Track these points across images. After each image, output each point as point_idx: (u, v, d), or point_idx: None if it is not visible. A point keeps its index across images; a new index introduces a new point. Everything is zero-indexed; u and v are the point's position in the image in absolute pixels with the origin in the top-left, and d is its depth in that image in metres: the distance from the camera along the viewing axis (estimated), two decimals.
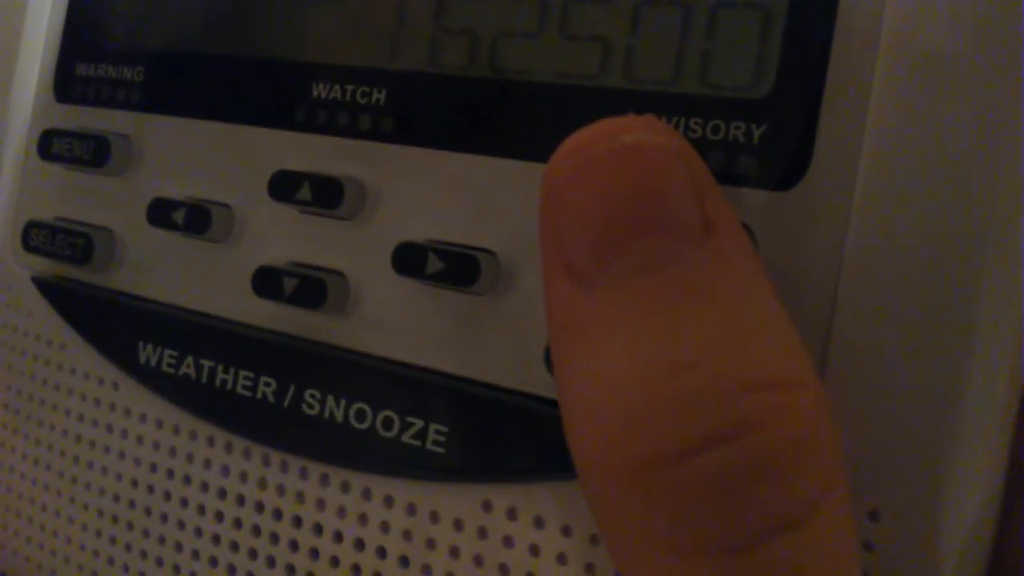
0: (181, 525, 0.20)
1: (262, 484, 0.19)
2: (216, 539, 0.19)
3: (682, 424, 0.12)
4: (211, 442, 0.19)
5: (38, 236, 0.22)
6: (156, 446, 0.20)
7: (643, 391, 0.12)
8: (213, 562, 0.20)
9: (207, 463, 0.19)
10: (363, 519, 0.18)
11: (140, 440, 0.20)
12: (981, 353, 0.14)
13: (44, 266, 0.22)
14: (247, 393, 0.19)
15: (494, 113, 0.17)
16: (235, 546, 0.19)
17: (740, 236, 0.13)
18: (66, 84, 0.22)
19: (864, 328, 0.14)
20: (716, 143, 0.15)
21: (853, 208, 0.15)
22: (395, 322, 0.17)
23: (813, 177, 0.15)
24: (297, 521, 0.18)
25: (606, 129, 0.14)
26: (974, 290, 0.14)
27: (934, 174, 0.14)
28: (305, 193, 0.18)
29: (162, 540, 0.20)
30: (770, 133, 0.15)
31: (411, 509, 0.17)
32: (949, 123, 0.14)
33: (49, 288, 0.22)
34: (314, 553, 0.18)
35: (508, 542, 0.16)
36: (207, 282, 0.20)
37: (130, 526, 0.21)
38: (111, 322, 0.21)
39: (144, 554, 0.20)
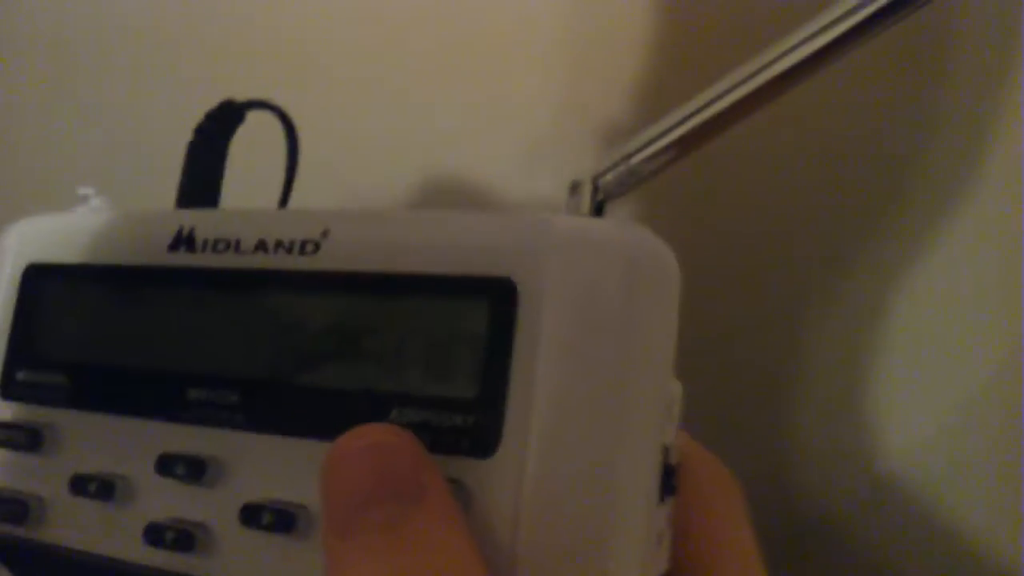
0: None
1: None
2: None
3: None
4: None
5: None
6: None
7: None
8: None
9: None
10: None
11: None
12: None
13: None
14: None
15: (311, 409, 0.26)
16: None
17: (446, 497, 0.22)
18: (9, 385, 0.30)
19: (542, 562, 0.23)
20: (444, 428, 0.24)
21: (528, 470, 0.23)
22: (244, 561, 0.25)
23: (505, 447, 0.23)
24: None
25: (359, 432, 0.23)
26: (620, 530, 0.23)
27: (584, 442, 0.23)
28: (180, 470, 0.26)
29: None
30: (477, 420, 0.24)
31: None
32: (593, 413, 0.23)
33: None
34: None
35: None
36: (112, 534, 0.27)
37: None
38: (43, 568, 0.28)
39: None
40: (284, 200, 0.37)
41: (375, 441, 0.23)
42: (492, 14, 0.52)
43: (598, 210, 0.26)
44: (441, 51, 0.53)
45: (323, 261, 0.26)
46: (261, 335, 0.27)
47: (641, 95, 0.49)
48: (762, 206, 0.50)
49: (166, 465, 0.26)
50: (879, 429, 0.48)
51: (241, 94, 0.33)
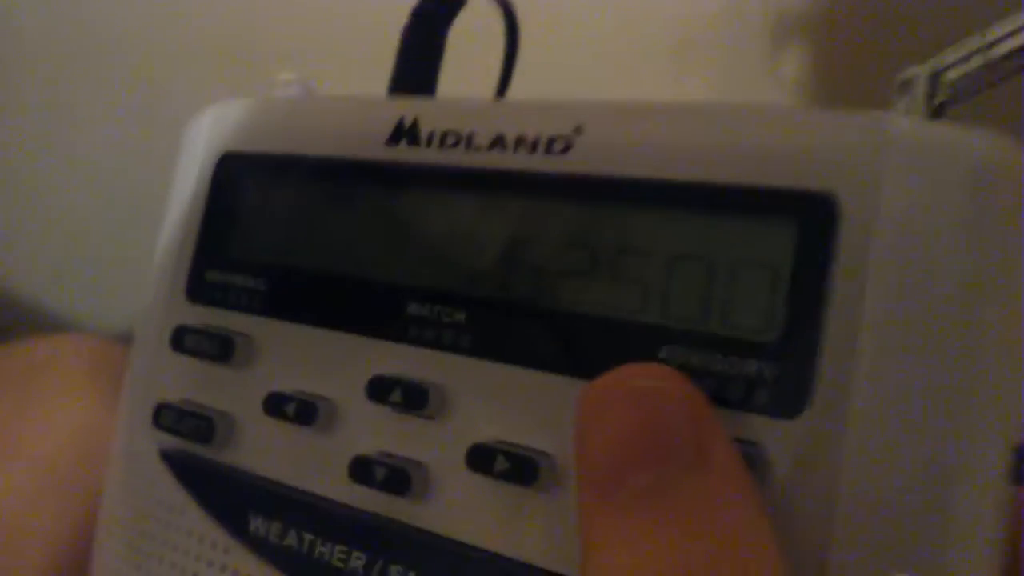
0: None
1: None
2: None
3: None
4: None
5: (167, 416, 0.26)
6: None
7: None
8: None
9: None
10: None
11: None
12: None
13: (170, 441, 0.26)
14: (340, 565, 0.22)
15: (553, 338, 0.21)
16: None
17: (733, 464, 0.17)
18: (197, 287, 0.27)
19: (860, 559, 0.18)
20: (731, 376, 0.19)
21: (847, 440, 0.18)
22: (468, 511, 0.21)
23: (816, 406, 0.18)
24: None
25: (625, 374, 0.18)
26: (962, 527, 0.17)
27: (921, 410, 0.18)
28: (396, 396, 0.22)
29: None
30: (778, 370, 0.19)
31: None
32: (933, 372, 0.18)
33: (174, 461, 0.26)
34: None
35: None
36: (310, 465, 0.23)
37: None
38: (227, 494, 0.24)
39: None
40: (500, 94, 0.32)
41: (647, 386, 0.18)
42: None
43: (936, 115, 0.20)
44: None
45: (575, 163, 0.22)
46: (496, 246, 0.22)
47: None
48: None
49: (380, 389, 0.22)
50: None
51: None
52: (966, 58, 0.20)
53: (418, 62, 0.29)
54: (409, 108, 0.24)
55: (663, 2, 0.45)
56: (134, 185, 0.59)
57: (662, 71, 0.46)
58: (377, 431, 0.23)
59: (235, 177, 0.27)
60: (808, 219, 0.19)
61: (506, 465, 0.20)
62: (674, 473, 0.17)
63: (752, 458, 0.18)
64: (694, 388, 0.18)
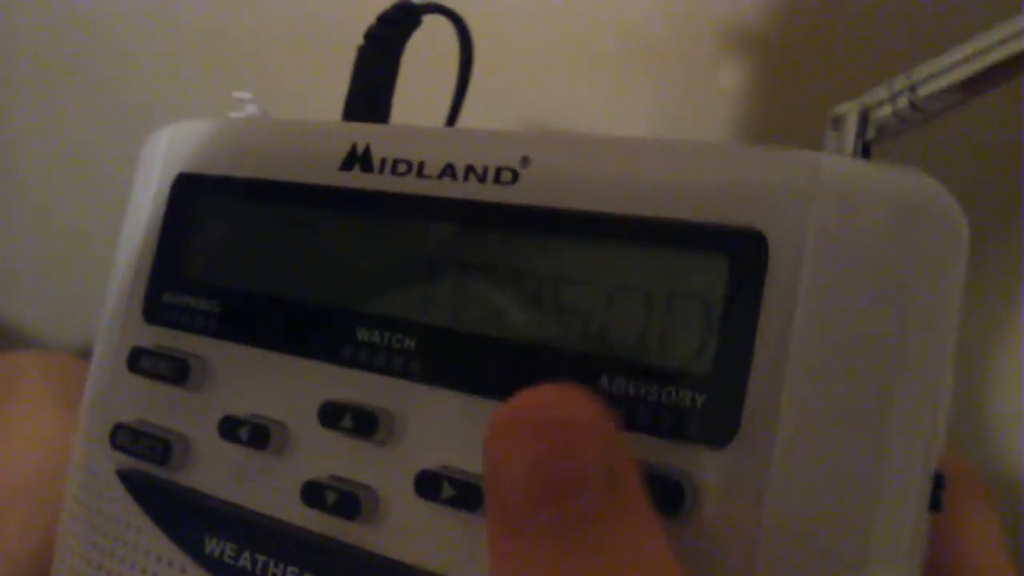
0: None
1: None
2: None
3: None
4: None
5: (123, 436, 0.26)
6: None
7: None
8: None
9: None
10: None
11: None
12: None
13: (127, 461, 0.26)
14: None
15: (499, 365, 0.22)
16: None
17: (640, 499, 0.17)
18: (154, 308, 0.27)
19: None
20: (665, 405, 0.20)
21: (772, 467, 0.19)
22: (417, 535, 0.22)
23: (743, 435, 0.19)
24: None
25: (532, 401, 0.17)
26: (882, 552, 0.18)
27: (842, 437, 0.19)
28: (347, 422, 0.23)
29: None
30: (710, 400, 0.20)
31: None
32: (854, 401, 0.19)
33: (130, 481, 0.26)
34: None
35: None
36: (264, 488, 0.24)
37: None
38: (183, 515, 0.25)
39: None
40: (451, 120, 0.33)
41: (555, 417, 0.17)
42: None
43: (865, 152, 0.21)
44: None
45: (521, 193, 0.22)
46: (443, 275, 0.23)
47: None
48: None
49: (331, 415, 0.23)
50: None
51: None
52: (893, 98, 0.21)
53: (373, 83, 0.29)
54: (362, 134, 0.25)
55: (606, 13, 0.46)
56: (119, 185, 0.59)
57: (606, 81, 0.47)
58: (328, 455, 0.23)
59: (191, 198, 0.27)
60: (738, 254, 0.20)
61: (452, 492, 0.21)
62: (581, 509, 0.17)
63: (682, 487, 0.19)
64: (602, 416, 0.17)
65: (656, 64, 0.44)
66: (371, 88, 0.29)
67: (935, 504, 0.20)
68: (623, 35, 0.45)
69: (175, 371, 0.26)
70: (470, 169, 0.23)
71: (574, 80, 0.46)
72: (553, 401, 0.17)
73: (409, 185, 0.24)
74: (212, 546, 0.24)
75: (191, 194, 0.27)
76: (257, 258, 0.26)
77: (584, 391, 0.17)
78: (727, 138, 0.43)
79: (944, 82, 0.20)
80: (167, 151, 0.28)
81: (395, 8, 0.30)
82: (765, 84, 0.42)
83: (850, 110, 0.21)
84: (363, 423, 0.22)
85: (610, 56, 0.45)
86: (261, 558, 0.23)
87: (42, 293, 0.63)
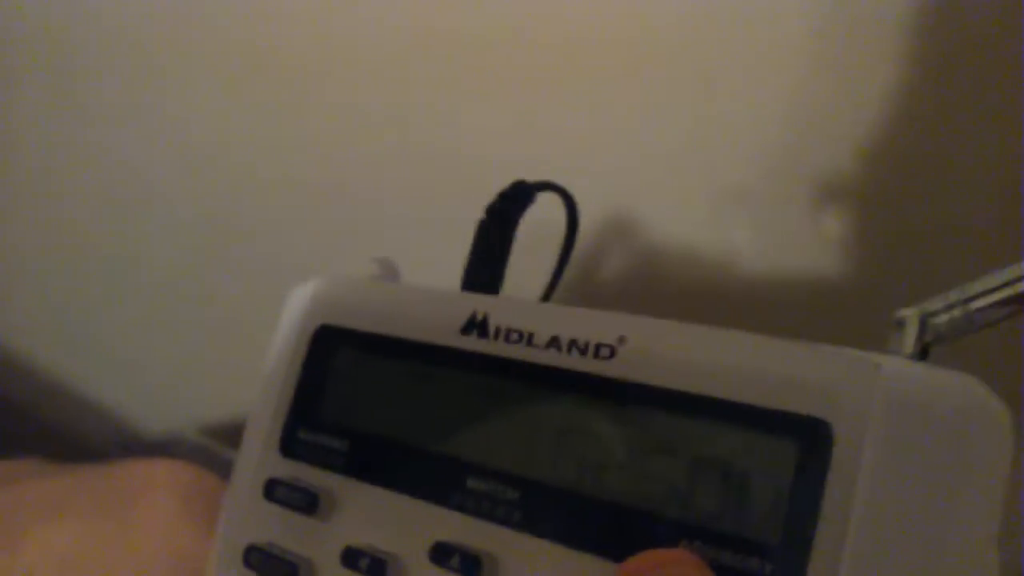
0: None
1: None
2: None
3: None
4: None
5: (255, 557, 0.30)
6: None
7: None
8: None
9: None
10: None
11: None
12: None
13: None
14: None
15: (592, 521, 0.25)
16: None
17: None
18: (290, 443, 0.31)
19: None
20: (736, 569, 0.23)
21: None
22: None
23: None
24: None
25: (653, 559, 0.21)
26: None
27: None
28: (455, 563, 0.26)
29: None
30: (776, 569, 0.22)
31: None
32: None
33: None
34: None
35: None
36: None
37: None
38: None
39: None
40: (551, 286, 0.37)
41: (674, 573, 0.21)
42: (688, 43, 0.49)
43: (923, 352, 0.24)
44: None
45: (617, 368, 0.26)
46: (546, 434, 0.26)
47: (868, 142, 0.45)
48: None
49: (441, 554, 0.26)
50: None
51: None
52: (948, 308, 0.24)
53: (491, 253, 0.33)
54: (481, 304, 0.29)
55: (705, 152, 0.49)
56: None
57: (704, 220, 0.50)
58: None
59: (329, 347, 0.32)
60: (807, 441, 0.23)
61: None
62: None
63: None
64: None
65: (756, 208, 0.47)
66: (489, 258, 0.33)
67: None
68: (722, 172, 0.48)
69: (306, 502, 0.29)
70: (573, 343, 0.27)
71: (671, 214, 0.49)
72: (672, 560, 0.21)
73: (519, 352, 0.27)
74: None
75: (330, 344, 0.32)
76: (384, 405, 0.30)
77: (697, 559, 0.21)
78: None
79: (995, 297, 0.23)
80: (312, 303, 0.33)
81: (513, 186, 0.34)
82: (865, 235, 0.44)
83: (911, 316, 0.24)
84: (469, 564, 0.26)
85: (708, 194, 0.49)
86: None
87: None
